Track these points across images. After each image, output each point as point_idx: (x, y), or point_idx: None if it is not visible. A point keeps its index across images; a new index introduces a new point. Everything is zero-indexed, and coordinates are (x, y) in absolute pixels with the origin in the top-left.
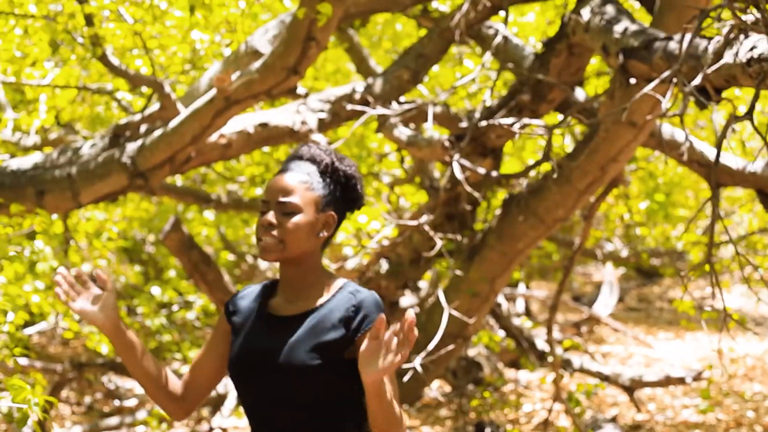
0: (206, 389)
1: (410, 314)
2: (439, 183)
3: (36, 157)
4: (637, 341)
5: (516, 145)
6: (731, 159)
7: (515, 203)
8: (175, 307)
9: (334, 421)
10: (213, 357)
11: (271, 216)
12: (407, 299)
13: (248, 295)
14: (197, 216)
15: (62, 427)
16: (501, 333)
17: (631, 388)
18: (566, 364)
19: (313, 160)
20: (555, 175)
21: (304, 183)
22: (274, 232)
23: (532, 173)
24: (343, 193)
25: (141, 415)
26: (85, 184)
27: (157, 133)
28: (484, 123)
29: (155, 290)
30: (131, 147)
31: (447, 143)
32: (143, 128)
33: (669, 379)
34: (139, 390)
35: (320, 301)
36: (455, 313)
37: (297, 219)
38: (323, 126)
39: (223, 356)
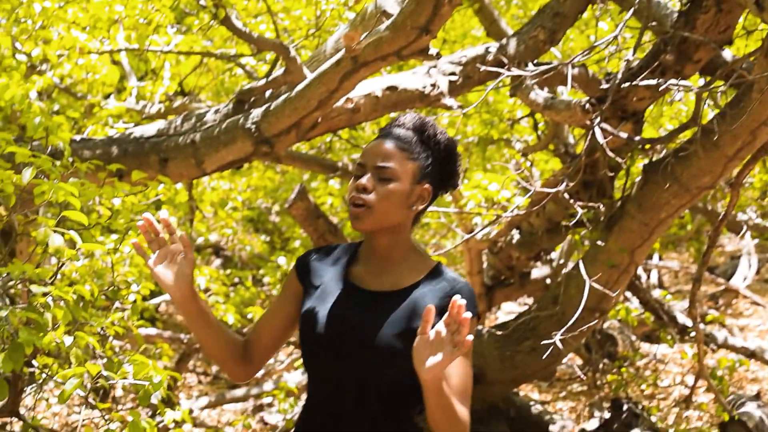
0: (272, 350)
1: (457, 299)
2: (574, 149)
3: (159, 124)
4: None
5: (653, 111)
6: None
7: (657, 170)
8: None
9: (401, 408)
10: (280, 317)
11: (366, 179)
12: (539, 270)
13: (324, 257)
14: (322, 185)
15: (189, 398)
16: (638, 306)
17: None
18: (709, 339)
19: (415, 129)
20: (701, 140)
21: (404, 151)
22: (367, 197)
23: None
24: (441, 168)
25: (267, 386)
26: (209, 151)
27: (282, 98)
28: (626, 85)
29: (281, 260)
30: (256, 113)
31: (587, 106)
32: (268, 93)
33: None
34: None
35: (410, 281)
36: (596, 285)
37: (393, 186)
38: (454, 89)
39: (291, 317)
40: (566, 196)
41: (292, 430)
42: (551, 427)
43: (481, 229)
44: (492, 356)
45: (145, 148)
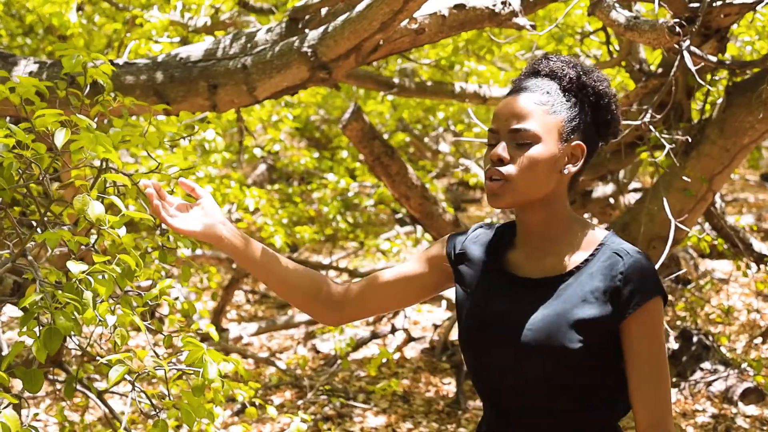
0: (379, 309)
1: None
2: (649, 67)
3: (206, 44)
4: None
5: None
6: None
7: (743, 92)
8: (350, 194)
9: (584, 411)
10: (407, 283)
11: (501, 149)
12: (601, 189)
13: (479, 239)
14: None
15: (238, 321)
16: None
17: None
18: None
19: (553, 75)
20: None
21: (542, 105)
22: (505, 169)
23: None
24: (594, 116)
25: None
26: (261, 76)
27: (341, 18)
28: (718, 3)
29: (331, 176)
30: (312, 35)
31: (676, 28)
32: (324, 12)
33: None
34: None
35: (575, 260)
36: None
37: (535, 151)
38: (527, 6)
39: (421, 288)
40: (648, 117)
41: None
42: None
43: None
44: None
45: (193, 74)
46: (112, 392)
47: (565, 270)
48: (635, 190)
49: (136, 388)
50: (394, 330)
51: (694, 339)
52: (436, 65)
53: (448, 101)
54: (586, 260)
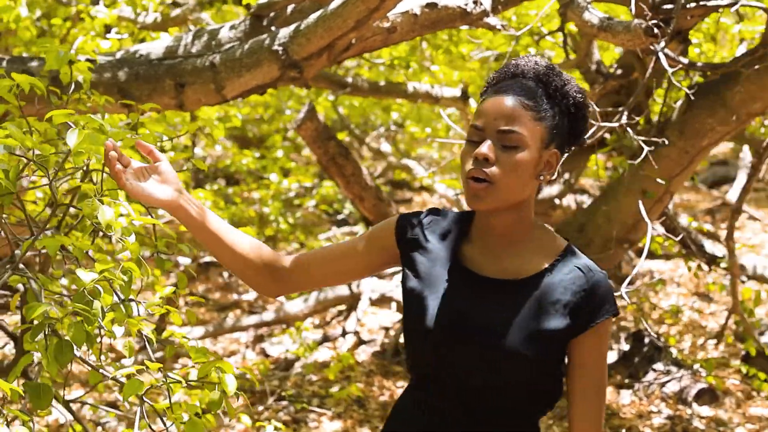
0: (320, 283)
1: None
2: (606, 68)
3: (167, 41)
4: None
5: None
6: None
7: (703, 94)
8: (291, 194)
9: (523, 414)
10: (351, 259)
11: (487, 148)
12: (546, 190)
13: (432, 226)
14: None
15: (183, 324)
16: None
17: None
18: (742, 271)
19: (538, 79)
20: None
21: (531, 110)
22: (490, 170)
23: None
24: (570, 127)
25: (268, 315)
26: (230, 75)
27: (315, 16)
28: (692, 5)
29: (273, 177)
30: (284, 33)
31: (655, 30)
32: (290, 9)
33: None
34: None
35: (536, 267)
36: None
37: (520, 156)
38: (498, 6)
39: (364, 266)
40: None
41: (383, 425)
42: None
43: None
44: None
45: (159, 72)
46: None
47: (526, 275)
48: (578, 191)
49: (146, 403)
50: (344, 333)
51: (646, 340)
52: (390, 65)
53: (402, 101)
54: (546, 269)
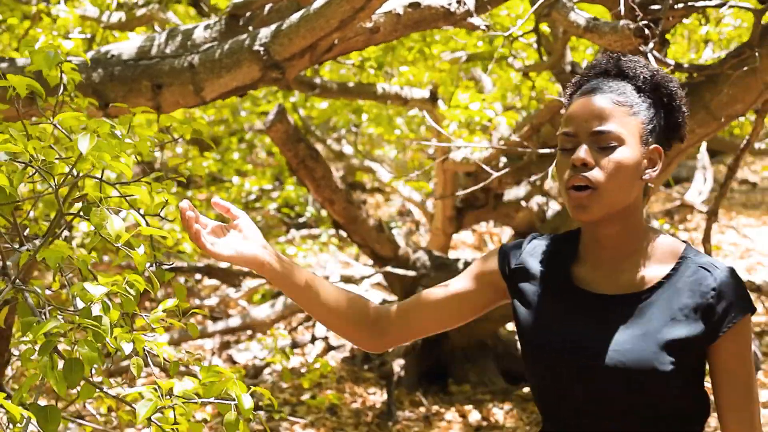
0: (424, 332)
1: None
2: (581, 69)
3: (138, 41)
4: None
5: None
6: None
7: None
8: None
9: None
10: (457, 302)
11: (584, 152)
12: (513, 192)
13: (536, 251)
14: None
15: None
16: None
17: None
18: None
19: (624, 75)
20: (738, 65)
21: (622, 105)
22: (591, 175)
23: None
24: (666, 119)
25: (234, 321)
26: (209, 76)
27: (297, 15)
28: (680, 5)
29: (235, 180)
30: (265, 32)
31: (646, 30)
32: (267, 8)
33: None
34: (223, 290)
35: (655, 275)
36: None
37: (621, 154)
38: (482, 6)
39: (472, 307)
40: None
41: None
42: None
43: (457, 151)
44: None
45: (136, 73)
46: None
47: (644, 286)
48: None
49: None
50: (314, 339)
51: None
52: (360, 66)
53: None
54: (668, 275)
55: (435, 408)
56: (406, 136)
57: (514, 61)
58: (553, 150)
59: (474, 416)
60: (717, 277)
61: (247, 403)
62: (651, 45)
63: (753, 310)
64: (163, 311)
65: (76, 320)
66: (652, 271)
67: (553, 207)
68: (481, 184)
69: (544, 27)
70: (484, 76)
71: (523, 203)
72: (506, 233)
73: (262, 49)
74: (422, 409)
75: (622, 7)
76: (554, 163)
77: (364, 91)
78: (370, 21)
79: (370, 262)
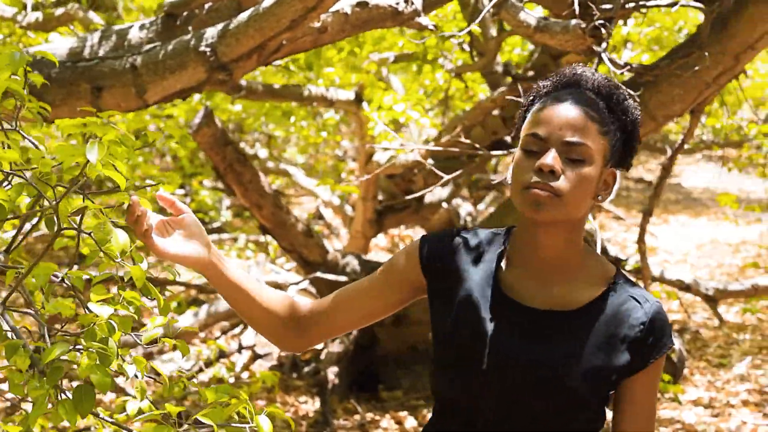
0: (346, 328)
1: None
2: (513, 68)
3: (69, 42)
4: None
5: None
6: None
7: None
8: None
9: None
10: (373, 301)
11: (553, 159)
12: (433, 194)
13: (461, 247)
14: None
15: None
16: None
17: (715, 298)
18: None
19: (598, 91)
20: (677, 65)
21: (596, 123)
22: (557, 184)
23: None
24: (624, 145)
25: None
26: (153, 78)
27: (246, 15)
28: (631, 4)
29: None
30: (211, 32)
31: (596, 28)
32: (207, 7)
33: (757, 289)
34: None
35: (587, 297)
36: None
37: (587, 171)
38: (429, 5)
39: (388, 305)
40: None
41: None
42: None
43: (379, 153)
44: None
45: (74, 75)
46: None
47: (575, 306)
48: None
49: None
50: (240, 348)
51: None
52: (286, 67)
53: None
54: (600, 298)
55: (370, 415)
56: (320, 138)
57: (445, 61)
58: (482, 152)
59: (410, 422)
60: (647, 311)
61: (266, 425)
62: (604, 45)
63: (672, 347)
64: (158, 331)
65: (88, 345)
66: (583, 291)
67: (466, 208)
68: (442, 181)
69: (475, 28)
70: (394, 78)
71: (444, 205)
72: (419, 236)
73: (208, 49)
74: (357, 417)
75: (576, 7)
76: (512, 162)
77: (290, 93)
78: (318, 21)
79: (288, 266)
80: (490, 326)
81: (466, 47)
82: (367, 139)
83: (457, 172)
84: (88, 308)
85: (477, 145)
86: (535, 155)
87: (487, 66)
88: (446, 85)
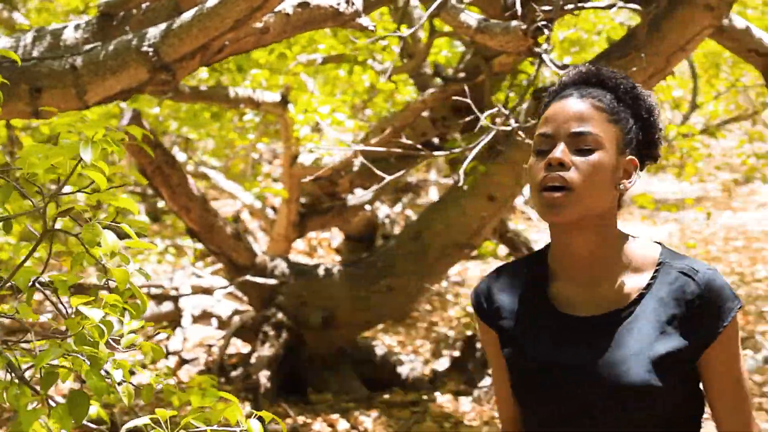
0: None
1: None
2: (444, 70)
3: (2, 43)
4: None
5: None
6: None
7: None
8: None
9: None
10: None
11: (561, 152)
12: (356, 197)
13: (504, 283)
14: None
15: None
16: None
17: None
18: None
19: (604, 84)
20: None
21: (603, 110)
22: (567, 175)
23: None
24: (643, 133)
25: None
26: (93, 78)
27: (190, 14)
28: (570, 6)
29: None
30: (153, 32)
31: (539, 29)
32: (145, 6)
33: None
34: None
35: (635, 287)
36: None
37: (599, 158)
38: (369, 6)
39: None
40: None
41: None
42: (399, 369)
43: (305, 155)
44: (344, 297)
45: (12, 75)
46: None
47: (626, 301)
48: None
49: None
50: (168, 353)
51: (478, 345)
52: (213, 69)
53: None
54: (648, 284)
55: (301, 419)
56: (246, 140)
57: (374, 63)
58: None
59: (342, 425)
60: (700, 281)
61: (256, 429)
62: (545, 46)
63: (740, 306)
64: (131, 332)
65: (82, 350)
66: (631, 283)
67: (384, 210)
68: (383, 183)
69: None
70: (309, 80)
71: (367, 207)
72: (336, 239)
73: (150, 50)
74: (289, 421)
75: (519, 8)
76: (528, 166)
77: (217, 95)
78: (260, 21)
79: (208, 270)
80: (553, 345)
81: (395, 49)
82: (292, 141)
83: (400, 173)
84: (77, 313)
85: (419, 146)
86: (545, 154)
87: (416, 68)
88: (363, 87)
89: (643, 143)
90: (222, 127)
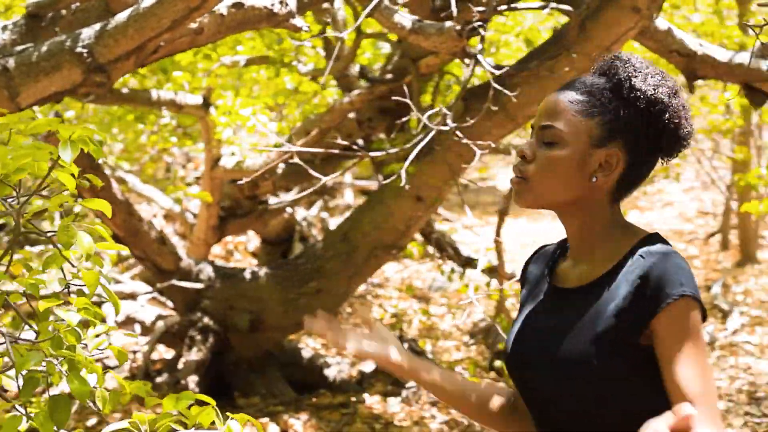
0: None
1: (683, 409)
2: (370, 71)
3: None
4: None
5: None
6: (716, 50)
7: (477, 98)
8: None
9: (623, 427)
10: None
11: (527, 145)
12: (277, 199)
13: (539, 256)
14: None
15: None
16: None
17: None
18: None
19: (604, 73)
20: (540, 66)
21: (576, 104)
22: (525, 168)
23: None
24: (646, 125)
25: None
26: (26, 80)
27: (125, 14)
28: (503, 7)
29: None
30: (87, 33)
31: (473, 30)
32: (74, 7)
33: None
34: None
35: (604, 268)
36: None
37: (555, 152)
38: (302, 6)
39: None
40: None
41: None
42: (326, 371)
43: (227, 157)
44: (273, 300)
45: None
46: None
47: (595, 277)
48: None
49: None
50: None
51: (405, 346)
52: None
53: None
54: (615, 266)
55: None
56: (169, 143)
57: (299, 65)
58: (342, 153)
59: (273, 429)
60: (646, 264)
61: (237, 430)
62: (480, 47)
63: (689, 295)
64: (96, 336)
65: (64, 354)
66: (601, 266)
67: (301, 212)
68: (320, 183)
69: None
70: (231, 82)
71: (289, 209)
72: (252, 242)
73: (84, 51)
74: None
75: (454, 9)
76: None
77: (138, 98)
78: (195, 22)
79: (128, 275)
80: (532, 315)
81: (320, 50)
82: (213, 144)
83: (335, 174)
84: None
85: (355, 146)
86: None
87: (343, 69)
88: (285, 88)
89: (647, 135)
90: (129, 128)
